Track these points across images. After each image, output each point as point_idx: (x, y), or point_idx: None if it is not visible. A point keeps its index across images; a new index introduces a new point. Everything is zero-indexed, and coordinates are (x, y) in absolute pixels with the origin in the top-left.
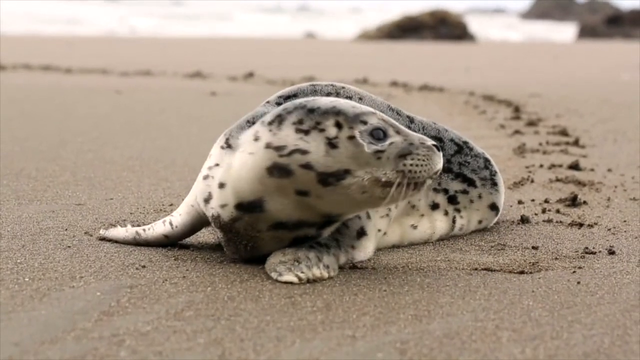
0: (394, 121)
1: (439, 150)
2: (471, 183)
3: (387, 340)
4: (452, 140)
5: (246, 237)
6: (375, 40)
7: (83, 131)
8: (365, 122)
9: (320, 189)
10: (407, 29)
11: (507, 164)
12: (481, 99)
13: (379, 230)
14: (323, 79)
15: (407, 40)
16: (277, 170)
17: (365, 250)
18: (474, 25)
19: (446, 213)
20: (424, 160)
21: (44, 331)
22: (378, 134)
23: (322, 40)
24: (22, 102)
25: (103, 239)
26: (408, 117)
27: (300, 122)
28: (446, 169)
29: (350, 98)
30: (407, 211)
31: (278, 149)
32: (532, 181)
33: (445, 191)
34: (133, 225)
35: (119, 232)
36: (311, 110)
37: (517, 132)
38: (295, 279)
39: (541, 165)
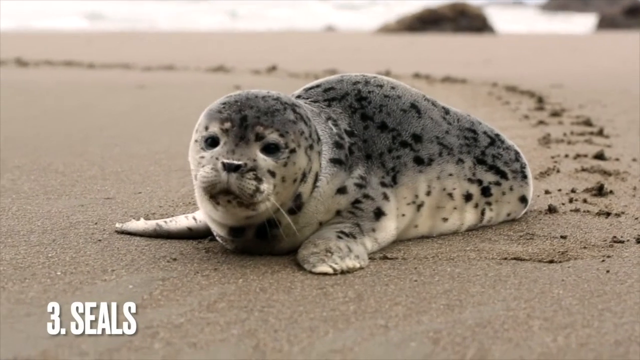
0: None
1: (227, 169)
2: (503, 175)
3: (420, 329)
4: (485, 132)
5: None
6: (395, 32)
7: (108, 126)
8: (206, 128)
9: (197, 190)
10: (427, 21)
11: (533, 154)
12: (504, 90)
13: (403, 215)
14: (345, 71)
15: (427, 32)
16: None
17: (387, 230)
18: (494, 17)
19: (476, 205)
20: (204, 176)
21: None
22: (212, 142)
23: (344, 33)
24: (45, 98)
25: (122, 232)
26: (443, 108)
27: (197, 123)
28: (480, 161)
29: (381, 87)
30: (442, 200)
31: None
32: (558, 171)
33: (480, 182)
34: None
35: (138, 224)
36: (203, 112)
37: (541, 122)
38: (329, 270)
39: (566, 155)
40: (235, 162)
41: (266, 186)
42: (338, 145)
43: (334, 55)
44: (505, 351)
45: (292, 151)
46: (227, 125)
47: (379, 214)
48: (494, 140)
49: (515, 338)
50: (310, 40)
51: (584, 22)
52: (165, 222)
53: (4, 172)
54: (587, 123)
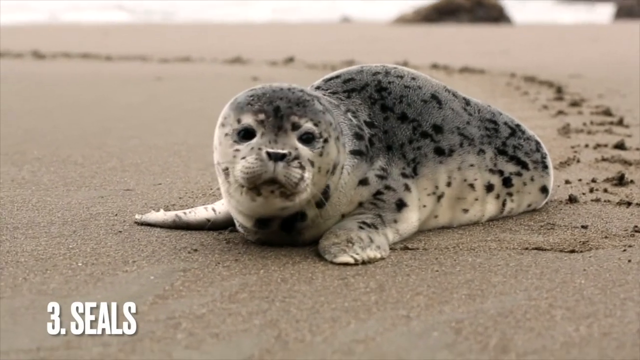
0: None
1: (273, 158)
2: (524, 166)
3: (442, 319)
4: (505, 123)
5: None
6: (412, 23)
7: (126, 118)
8: (239, 121)
9: (227, 185)
10: (444, 11)
11: (552, 144)
12: (523, 81)
13: (424, 206)
14: (363, 62)
15: (444, 23)
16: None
17: (409, 221)
18: (511, 7)
19: (497, 196)
20: (248, 167)
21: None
22: (245, 134)
23: (360, 24)
24: (63, 90)
25: (141, 224)
26: (464, 99)
27: (222, 117)
28: (501, 152)
29: (401, 77)
30: (463, 191)
31: (215, 146)
32: (578, 161)
33: (501, 172)
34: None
35: (157, 216)
36: (228, 106)
37: (560, 112)
38: (350, 260)
39: (586, 145)
40: (281, 151)
41: (308, 175)
42: (358, 136)
43: (351, 46)
44: (528, 340)
45: (326, 141)
46: (262, 116)
47: (400, 205)
48: (515, 130)
49: (538, 328)
50: (326, 31)
51: (601, 12)
52: (185, 213)
53: (23, 163)
54: (607, 113)
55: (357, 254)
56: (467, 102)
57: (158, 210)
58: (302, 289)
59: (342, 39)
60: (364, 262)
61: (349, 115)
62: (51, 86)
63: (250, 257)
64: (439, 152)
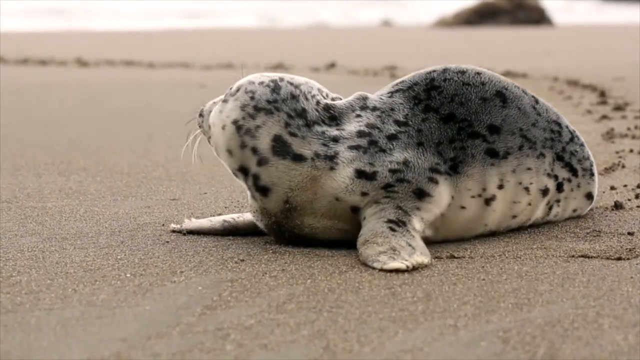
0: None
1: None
2: (574, 172)
3: (489, 329)
4: (567, 127)
5: None
6: (453, 26)
7: (171, 126)
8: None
9: None
10: (484, 14)
11: (597, 149)
12: (565, 84)
13: (463, 208)
14: (404, 67)
15: (484, 26)
16: None
17: (432, 211)
18: (556, 7)
19: (548, 202)
20: None
21: (150, 326)
22: None
23: (400, 28)
24: (107, 98)
25: (189, 232)
26: (533, 96)
27: None
28: (559, 157)
29: (463, 73)
30: (518, 195)
31: None
32: (623, 166)
33: (556, 177)
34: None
35: (202, 223)
36: None
37: (604, 117)
38: (402, 266)
39: (631, 150)
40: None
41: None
42: (360, 134)
43: (392, 51)
44: (576, 350)
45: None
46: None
47: (420, 194)
48: (573, 136)
49: (586, 336)
50: (367, 35)
51: None
52: (234, 218)
53: (70, 173)
54: None
55: (406, 260)
56: (536, 101)
57: (190, 219)
58: (349, 298)
59: (383, 44)
60: (413, 268)
61: (366, 115)
62: (96, 94)
63: (297, 266)
64: (492, 154)
